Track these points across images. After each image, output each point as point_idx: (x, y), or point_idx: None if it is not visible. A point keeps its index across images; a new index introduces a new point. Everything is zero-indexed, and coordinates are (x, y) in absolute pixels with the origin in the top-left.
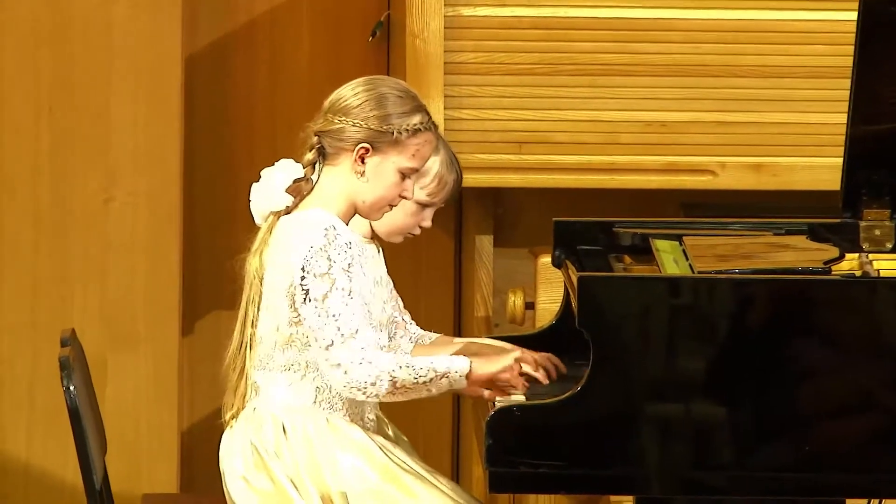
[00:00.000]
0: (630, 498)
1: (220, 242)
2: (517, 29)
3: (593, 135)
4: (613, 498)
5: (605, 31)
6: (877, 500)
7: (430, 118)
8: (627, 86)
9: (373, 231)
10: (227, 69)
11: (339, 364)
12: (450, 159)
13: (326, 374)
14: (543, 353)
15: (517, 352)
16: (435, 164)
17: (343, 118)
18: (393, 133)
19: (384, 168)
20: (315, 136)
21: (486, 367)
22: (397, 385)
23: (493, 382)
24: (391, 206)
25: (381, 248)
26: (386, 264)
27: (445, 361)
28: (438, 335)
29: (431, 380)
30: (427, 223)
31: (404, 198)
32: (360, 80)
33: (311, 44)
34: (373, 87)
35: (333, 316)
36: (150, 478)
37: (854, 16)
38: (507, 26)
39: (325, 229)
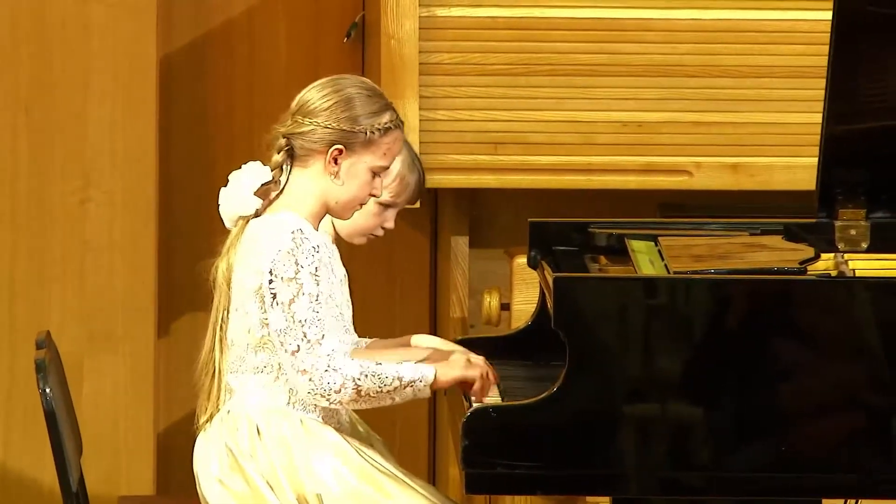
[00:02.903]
0: (607, 498)
1: (197, 243)
2: (492, 29)
3: (569, 135)
4: (590, 499)
5: (581, 32)
6: (853, 501)
7: (397, 115)
8: (604, 86)
9: (335, 232)
10: (205, 69)
11: (304, 370)
12: (411, 159)
13: (292, 379)
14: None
15: (481, 366)
16: (396, 163)
17: (313, 120)
18: (366, 133)
19: (357, 168)
20: (283, 138)
21: (450, 373)
22: (361, 393)
23: (459, 387)
24: (361, 205)
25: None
26: (354, 266)
27: (412, 370)
28: (373, 339)
29: (396, 388)
30: (390, 224)
31: (374, 195)
32: (325, 81)
33: (288, 44)
34: (340, 88)
35: (300, 321)
36: (126, 479)
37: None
38: (483, 27)
39: (293, 233)
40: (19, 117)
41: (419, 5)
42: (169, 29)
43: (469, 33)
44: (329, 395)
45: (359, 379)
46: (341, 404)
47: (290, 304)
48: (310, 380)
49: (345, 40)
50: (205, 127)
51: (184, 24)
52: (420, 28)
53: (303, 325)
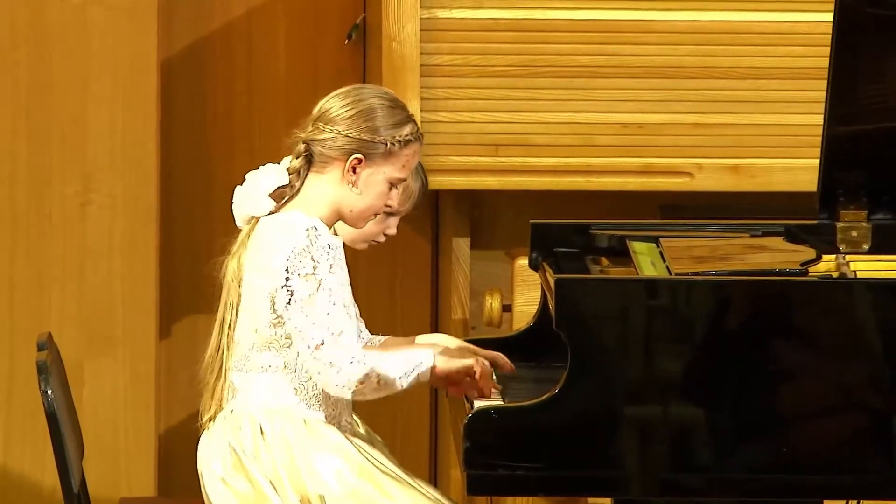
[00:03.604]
0: (608, 500)
1: (198, 245)
2: (493, 31)
3: (570, 136)
4: (591, 500)
5: (581, 33)
6: (854, 501)
7: (418, 128)
8: (604, 87)
9: (335, 234)
10: (204, 72)
11: (331, 363)
12: (415, 167)
13: (318, 374)
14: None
15: (474, 360)
16: None
17: (334, 128)
18: (386, 144)
19: (375, 179)
20: (303, 143)
21: (448, 363)
22: (380, 383)
23: (453, 380)
24: (375, 215)
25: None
26: (356, 267)
27: (415, 355)
28: (387, 337)
29: (406, 374)
30: (392, 231)
31: (388, 206)
32: (348, 89)
33: (288, 46)
34: (363, 98)
35: (322, 316)
36: (127, 481)
37: (831, 17)
38: (484, 28)
39: (307, 230)
40: (19, 120)
41: (420, 7)
42: (169, 31)
43: (470, 35)
44: (354, 385)
45: (379, 367)
46: (363, 395)
47: (309, 300)
48: (338, 372)
49: (346, 42)
50: (204, 129)
51: (183, 26)
52: (421, 30)
53: (326, 318)
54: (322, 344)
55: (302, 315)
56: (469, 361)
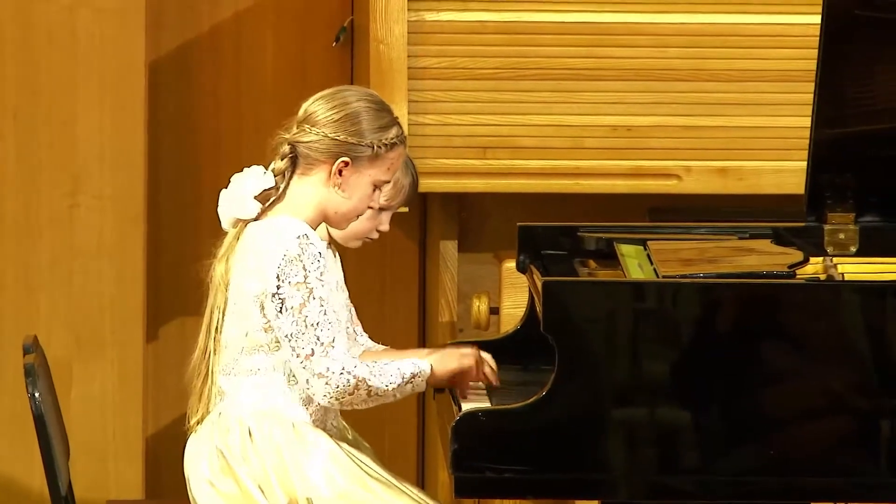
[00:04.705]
0: (596, 503)
1: (186, 248)
2: (481, 34)
3: (558, 139)
4: (579, 502)
5: (569, 36)
6: None
7: (402, 130)
8: (592, 90)
9: (330, 236)
10: (192, 74)
11: (321, 374)
12: (405, 163)
13: (307, 384)
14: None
15: (474, 353)
16: None
17: (320, 130)
18: (373, 148)
19: (361, 181)
20: (288, 145)
21: (446, 366)
22: (371, 393)
23: (453, 381)
24: (358, 217)
25: (337, 254)
26: (344, 270)
27: (410, 366)
28: (385, 348)
29: (398, 385)
30: (385, 227)
31: (372, 208)
32: (333, 92)
33: (276, 49)
34: (348, 102)
35: (312, 325)
36: (115, 483)
37: (819, 19)
38: (471, 31)
39: (299, 237)
40: (7, 122)
41: (408, 10)
42: (157, 33)
43: (458, 38)
44: (343, 397)
45: (369, 379)
46: (353, 406)
47: (300, 309)
48: (326, 383)
49: (333, 44)
50: (192, 132)
51: (171, 28)
52: (409, 32)
53: (315, 329)
54: (311, 354)
55: (292, 324)
56: (468, 361)
